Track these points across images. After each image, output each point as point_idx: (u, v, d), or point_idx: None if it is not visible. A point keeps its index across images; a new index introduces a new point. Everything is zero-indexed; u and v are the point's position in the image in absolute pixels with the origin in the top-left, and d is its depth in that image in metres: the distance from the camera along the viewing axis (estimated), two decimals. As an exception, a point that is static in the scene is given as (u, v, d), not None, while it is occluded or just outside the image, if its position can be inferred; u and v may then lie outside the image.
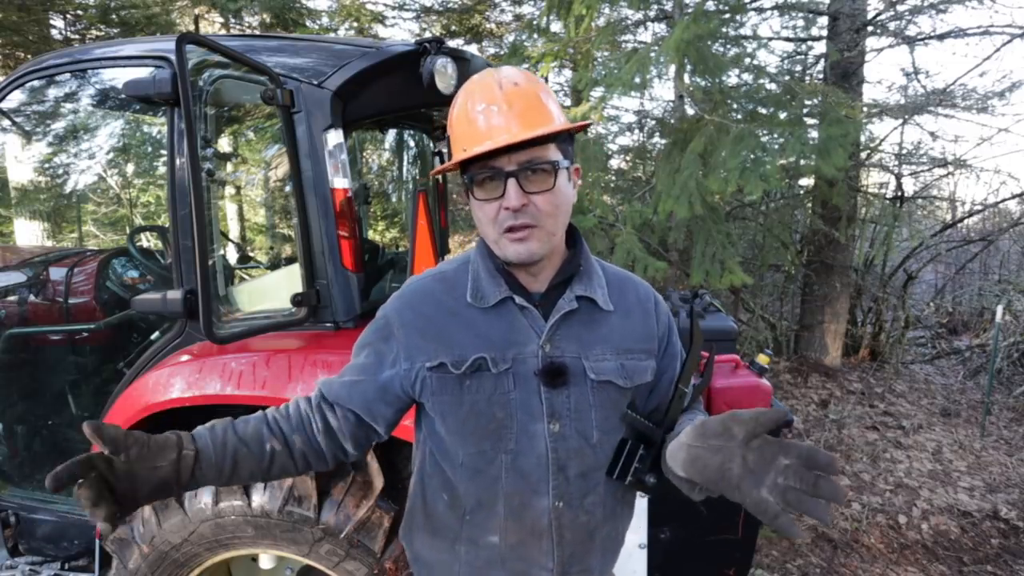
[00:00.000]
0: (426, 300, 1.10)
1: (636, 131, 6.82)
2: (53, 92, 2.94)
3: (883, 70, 29.18)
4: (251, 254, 5.73)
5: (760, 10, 5.62)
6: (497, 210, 0.98)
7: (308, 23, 7.76)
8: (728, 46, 4.77)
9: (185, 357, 1.83)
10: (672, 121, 5.07)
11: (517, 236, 0.99)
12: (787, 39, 6.27)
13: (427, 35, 6.51)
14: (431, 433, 1.13)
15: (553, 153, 0.99)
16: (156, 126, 5.36)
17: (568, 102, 8.26)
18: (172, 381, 1.77)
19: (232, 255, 4.02)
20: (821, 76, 5.88)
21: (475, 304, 1.06)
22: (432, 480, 1.15)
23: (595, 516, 1.10)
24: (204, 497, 1.75)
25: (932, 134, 6.35)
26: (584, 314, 1.08)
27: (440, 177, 2.89)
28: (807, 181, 6.16)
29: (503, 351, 1.04)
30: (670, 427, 1.09)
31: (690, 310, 1.16)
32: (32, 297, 2.64)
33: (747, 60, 4.56)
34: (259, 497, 1.72)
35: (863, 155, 6.06)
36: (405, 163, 3.17)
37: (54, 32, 6.38)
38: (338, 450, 1.11)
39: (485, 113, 0.98)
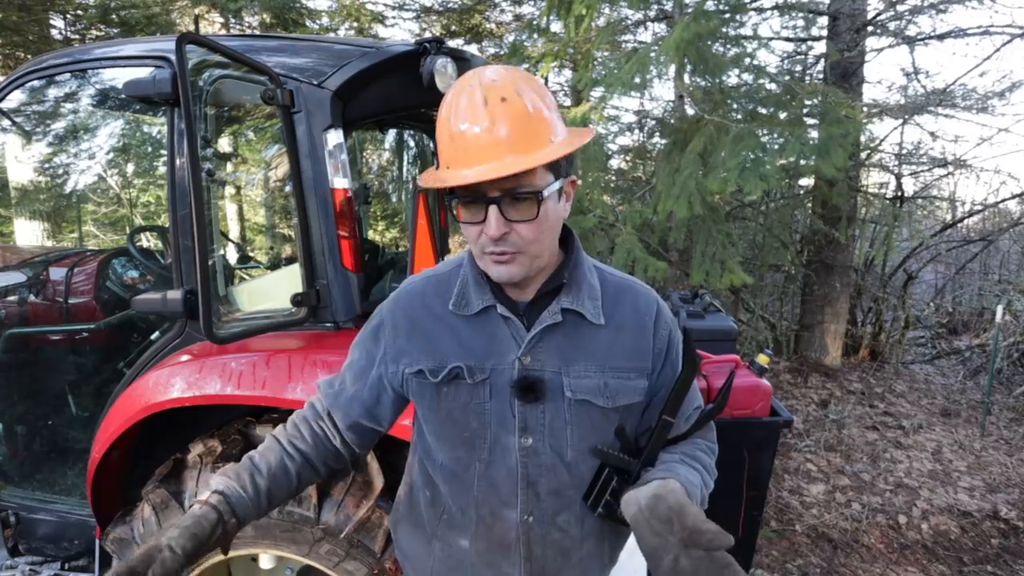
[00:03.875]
0: (415, 302, 1.09)
1: (636, 131, 6.82)
2: (53, 92, 2.95)
3: (883, 70, 29.15)
4: (251, 254, 5.73)
5: (760, 10, 5.63)
6: (479, 233, 0.93)
7: (308, 23, 7.76)
8: (728, 46, 4.76)
9: (185, 357, 1.83)
10: (672, 121, 5.08)
11: (498, 260, 0.95)
12: (787, 39, 6.28)
13: (427, 35, 6.51)
14: (419, 432, 1.15)
15: (540, 177, 0.91)
16: (156, 126, 5.36)
17: (568, 102, 8.26)
18: (172, 381, 1.77)
19: (232, 255, 4.02)
20: (821, 76, 5.87)
21: (457, 312, 1.04)
22: (419, 477, 1.17)
23: (570, 535, 1.07)
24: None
25: (932, 134, 6.35)
26: (570, 327, 1.03)
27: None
28: (807, 181, 6.17)
29: (482, 361, 1.02)
30: (651, 460, 1.03)
31: (685, 334, 1.06)
32: (32, 297, 2.64)
33: (747, 60, 4.56)
34: (259, 497, 1.72)
35: (863, 155, 6.06)
36: (405, 163, 3.18)
37: (54, 32, 6.38)
38: (352, 452, 1.17)
39: (467, 133, 0.89)
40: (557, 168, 0.95)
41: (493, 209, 0.90)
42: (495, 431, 1.03)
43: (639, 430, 1.10)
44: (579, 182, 1.03)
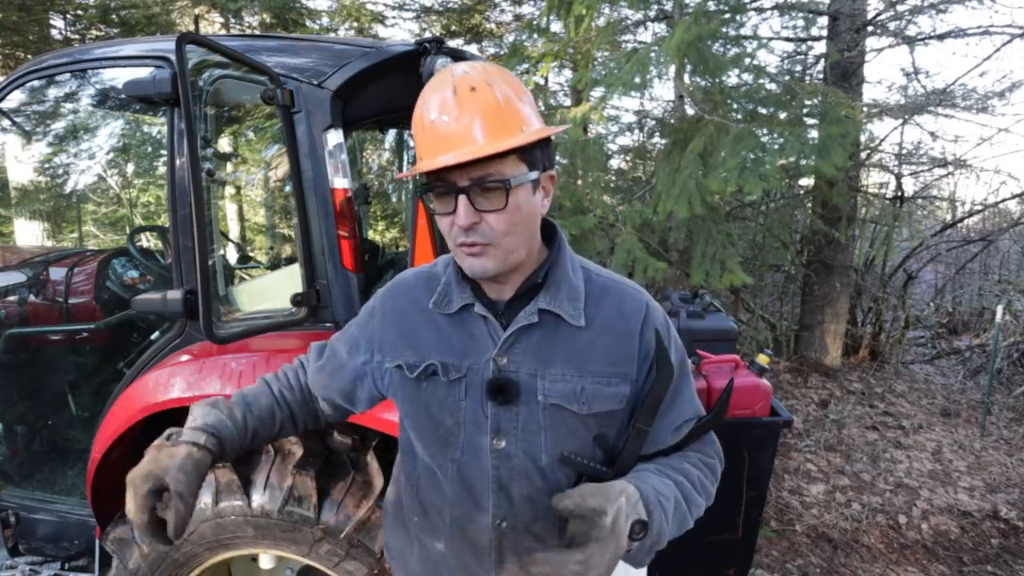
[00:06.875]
0: (405, 295, 1.11)
1: (636, 131, 6.82)
2: (53, 92, 2.95)
3: (883, 70, 29.19)
4: (251, 254, 5.73)
5: (760, 10, 5.62)
6: (451, 224, 0.92)
7: (308, 23, 7.76)
8: (728, 46, 4.76)
9: (185, 357, 1.83)
10: (672, 121, 5.08)
11: (470, 252, 0.93)
12: (787, 39, 6.27)
13: (427, 35, 6.50)
14: (401, 428, 1.15)
15: (511, 167, 0.90)
16: (156, 126, 5.37)
17: (568, 102, 8.27)
18: (172, 381, 1.77)
19: (232, 255, 4.02)
20: (821, 76, 5.87)
21: (438, 310, 1.04)
22: (401, 474, 1.18)
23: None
24: (204, 497, 1.75)
25: (932, 134, 6.35)
26: (548, 328, 0.99)
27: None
28: (807, 181, 6.16)
29: (460, 359, 1.01)
30: (623, 470, 0.98)
31: (658, 343, 1.01)
32: (32, 297, 2.64)
33: (747, 60, 4.56)
34: (259, 497, 1.72)
35: (863, 155, 6.05)
36: (405, 163, 3.18)
37: (54, 32, 6.39)
38: (328, 417, 1.23)
39: (437, 123, 0.90)
40: (532, 160, 0.93)
41: (463, 198, 0.89)
42: (469, 431, 1.01)
43: (624, 439, 1.03)
44: (556, 178, 1.03)
